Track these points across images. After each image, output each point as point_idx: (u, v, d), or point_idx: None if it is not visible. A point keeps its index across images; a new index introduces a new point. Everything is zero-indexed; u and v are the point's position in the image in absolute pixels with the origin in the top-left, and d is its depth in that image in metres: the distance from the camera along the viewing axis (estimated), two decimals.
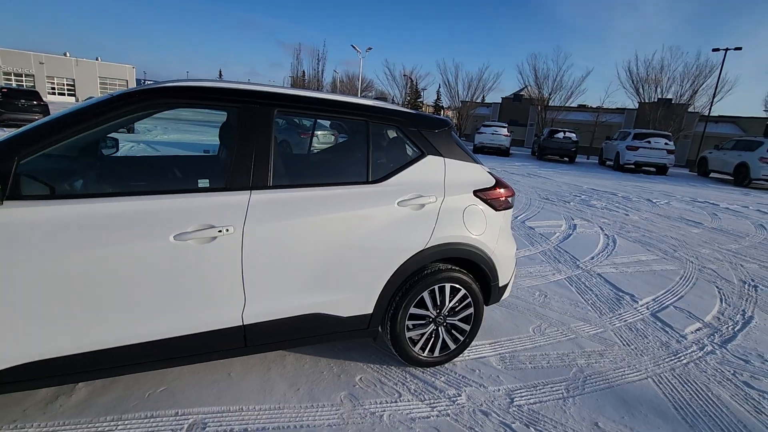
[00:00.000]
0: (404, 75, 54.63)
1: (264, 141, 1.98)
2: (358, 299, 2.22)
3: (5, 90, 15.57)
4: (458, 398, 2.27)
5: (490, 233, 2.50)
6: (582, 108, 37.61)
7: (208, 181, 2.05)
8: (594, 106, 36.97)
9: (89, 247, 1.65)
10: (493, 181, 2.58)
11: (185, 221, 1.79)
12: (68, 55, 48.56)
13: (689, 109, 30.55)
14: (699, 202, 10.19)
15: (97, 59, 50.95)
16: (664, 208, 8.98)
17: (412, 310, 2.37)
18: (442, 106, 64.35)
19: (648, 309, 3.63)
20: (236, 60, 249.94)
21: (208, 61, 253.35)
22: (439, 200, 2.34)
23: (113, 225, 1.69)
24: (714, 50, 27.10)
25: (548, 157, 21.33)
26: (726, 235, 6.77)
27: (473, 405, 2.22)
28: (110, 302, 1.73)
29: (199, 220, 1.81)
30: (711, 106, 28.46)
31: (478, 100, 40.07)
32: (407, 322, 2.38)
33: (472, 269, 2.52)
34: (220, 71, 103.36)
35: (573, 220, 7.02)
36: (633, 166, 17.07)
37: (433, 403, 2.22)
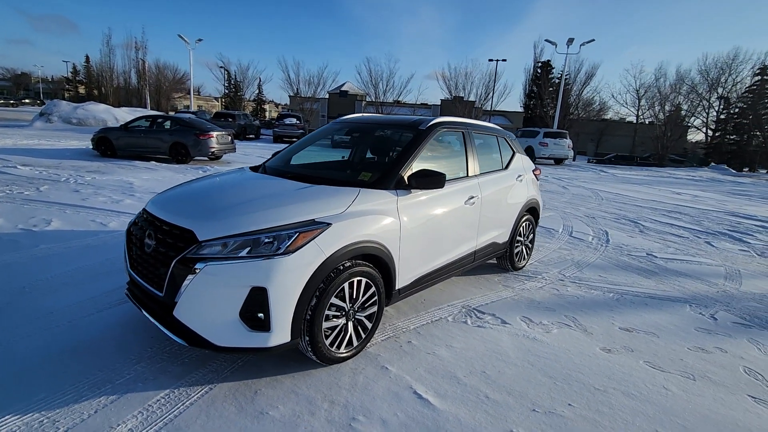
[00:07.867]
0: (221, 67, 52.13)
1: (472, 149, 3.66)
2: (505, 233, 4.09)
3: None
4: (543, 278, 4.40)
5: (538, 193, 4.69)
6: (398, 103, 43.92)
7: (461, 173, 3.56)
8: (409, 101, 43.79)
9: (436, 209, 3.10)
10: (534, 165, 4.77)
11: (465, 194, 3.38)
12: None
13: (476, 105, 39.63)
14: None
15: None
16: None
17: (517, 237, 4.37)
18: (264, 100, 64.13)
19: (566, 231, 6.45)
20: None
21: None
22: (525, 176, 4.39)
23: (444, 198, 3.16)
24: (489, 60, 36.15)
25: None
26: (553, 194, 10.72)
27: (555, 277, 4.39)
28: (442, 238, 3.20)
29: (469, 193, 3.42)
30: (491, 103, 37.89)
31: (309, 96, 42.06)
32: (515, 243, 4.36)
33: (533, 212, 4.65)
34: None
35: None
36: None
37: (539, 280, 4.30)
